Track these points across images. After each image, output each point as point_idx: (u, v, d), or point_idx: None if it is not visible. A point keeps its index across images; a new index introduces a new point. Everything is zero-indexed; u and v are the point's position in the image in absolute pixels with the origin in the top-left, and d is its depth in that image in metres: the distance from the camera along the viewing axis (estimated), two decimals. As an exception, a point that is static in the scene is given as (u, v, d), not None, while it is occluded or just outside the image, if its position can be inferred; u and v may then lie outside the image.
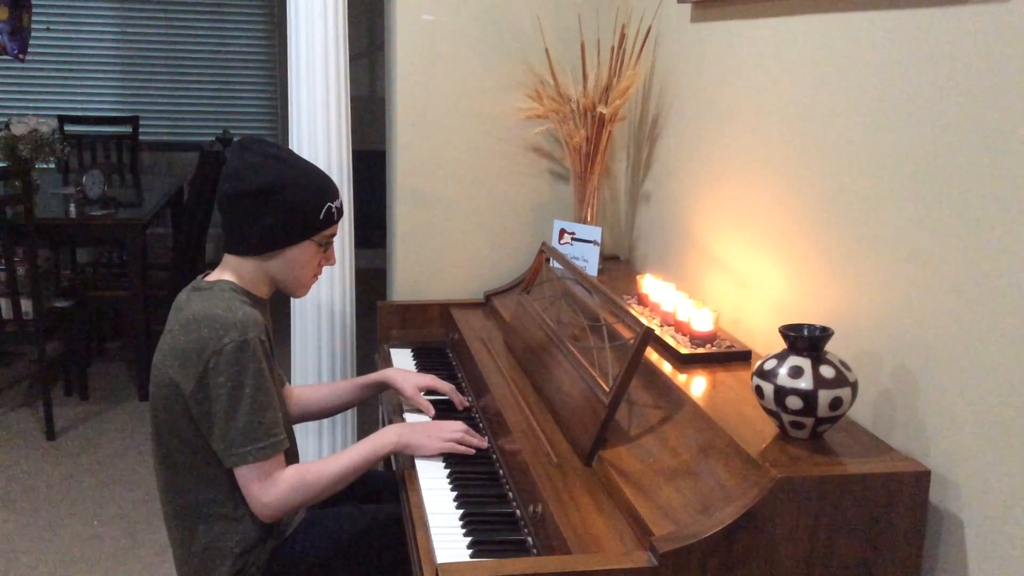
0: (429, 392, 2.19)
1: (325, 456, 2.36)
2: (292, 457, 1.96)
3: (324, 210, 1.85)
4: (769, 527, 1.40)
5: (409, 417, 2.13)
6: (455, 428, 1.96)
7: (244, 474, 1.76)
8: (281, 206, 1.80)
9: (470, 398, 2.23)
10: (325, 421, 2.76)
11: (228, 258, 1.87)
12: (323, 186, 1.86)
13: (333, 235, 1.91)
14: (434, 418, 2.10)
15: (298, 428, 2.21)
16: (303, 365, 2.79)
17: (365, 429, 3.00)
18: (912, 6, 1.53)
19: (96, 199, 4.40)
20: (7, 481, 3.57)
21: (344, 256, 2.77)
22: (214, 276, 1.87)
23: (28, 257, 3.79)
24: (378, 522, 1.97)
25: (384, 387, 2.22)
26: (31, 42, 6.23)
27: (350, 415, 2.83)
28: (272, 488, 1.76)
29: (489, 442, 2.01)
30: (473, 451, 1.93)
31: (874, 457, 1.48)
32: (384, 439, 1.90)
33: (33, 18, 6.17)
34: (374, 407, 2.44)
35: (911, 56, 1.54)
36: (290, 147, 2.72)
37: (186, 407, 1.75)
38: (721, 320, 2.07)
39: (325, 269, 2.71)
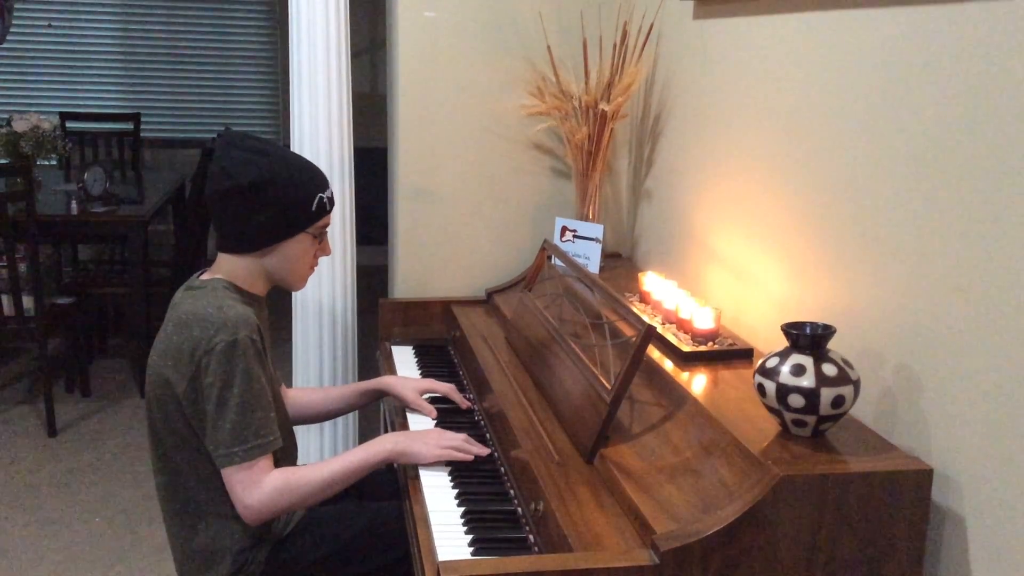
0: (430, 396, 2.18)
1: (319, 460, 2.34)
2: (291, 458, 1.96)
3: (316, 201, 1.84)
4: (771, 525, 1.39)
5: (412, 419, 2.12)
6: (454, 436, 1.92)
7: (229, 475, 1.74)
8: (274, 200, 1.79)
9: (471, 396, 2.23)
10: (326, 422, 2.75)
11: (222, 257, 1.86)
12: (313, 177, 1.86)
13: (326, 225, 1.90)
14: (437, 420, 2.10)
15: (299, 428, 2.20)
16: (304, 363, 2.79)
17: (367, 430, 3.01)
18: (915, 3, 1.53)
19: (98, 196, 4.39)
20: (8, 478, 3.57)
21: (345, 253, 2.77)
22: (209, 275, 1.86)
23: (30, 254, 3.79)
24: (378, 520, 1.96)
25: (382, 394, 2.22)
26: (33, 38, 6.27)
27: (351, 415, 2.83)
28: (255, 490, 1.73)
29: (490, 440, 2.00)
30: (471, 457, 1.89)
31: (876, 455, 1.48)
32: (379, 446, 1.87)
33: (34, 14, 6.20)
34: (376, 408, 2.44)
35: (914, 53, 1.53)
36: (291, 144, 2.72)
37: (180, 406, 1.75)
38: (723, 318, 2.06)
39: (327, 266, 2.74)
